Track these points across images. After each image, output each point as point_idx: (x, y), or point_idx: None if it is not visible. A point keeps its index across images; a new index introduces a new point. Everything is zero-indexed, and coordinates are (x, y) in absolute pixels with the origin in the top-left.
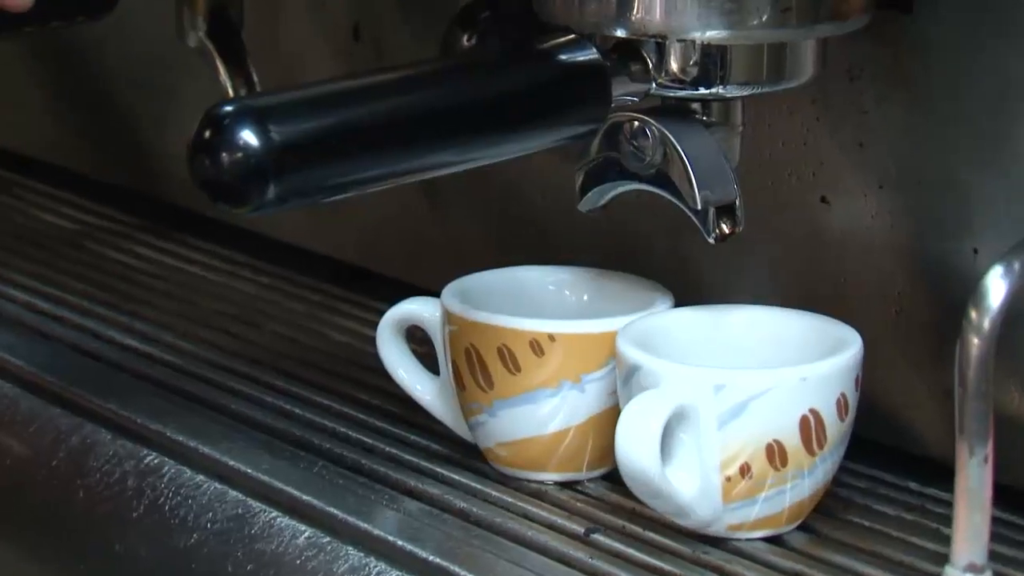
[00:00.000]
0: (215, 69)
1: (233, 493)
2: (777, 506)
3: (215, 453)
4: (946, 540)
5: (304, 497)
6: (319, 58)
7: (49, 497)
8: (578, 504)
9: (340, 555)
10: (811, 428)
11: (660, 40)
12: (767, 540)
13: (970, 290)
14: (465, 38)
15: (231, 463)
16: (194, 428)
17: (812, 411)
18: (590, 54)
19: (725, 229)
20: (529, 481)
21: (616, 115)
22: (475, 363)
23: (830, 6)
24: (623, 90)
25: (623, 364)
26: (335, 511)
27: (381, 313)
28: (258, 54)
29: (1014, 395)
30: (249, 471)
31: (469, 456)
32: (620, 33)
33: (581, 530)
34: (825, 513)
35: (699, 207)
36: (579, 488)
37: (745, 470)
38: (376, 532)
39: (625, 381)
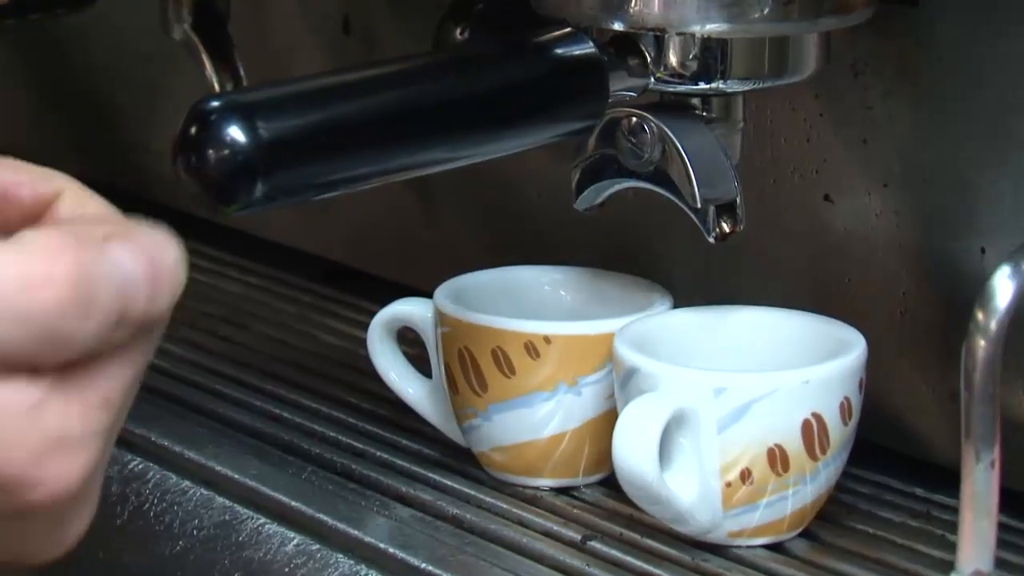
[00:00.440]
0: (201, 63)
1: (220, 499)
2: (778, 512)
3: (201, 458)
4: (952, 547)
5: (293, 503)
6: (308, 52)
7: None
8: (574, 510)
9: (330, 563)
10: (813, 432)
11: (659, 33)
12: (768, 547)
13: (977, 290)
14: (458, 31)
15: (218, 468)
16: (180, 432)
17: (814, 415)
18: (586, 48)
19: (725, 228)
20: (524, 487)
21: (613, 111)
22: (468, 365)
23: None
24: (621, 85)
25: (621, 366)
26: (325, 517)
27: (372, 314)
28: (245, 48)
29: (1021, 398)
30: (236, 477)
31: (462, 461)
32: (617, 26)
33: (578, 537)
34: (828, 519)
35: (699, 205)
36: (575, 494)
37: (746, 475)
38: (367, 539)
39: (623, 384)
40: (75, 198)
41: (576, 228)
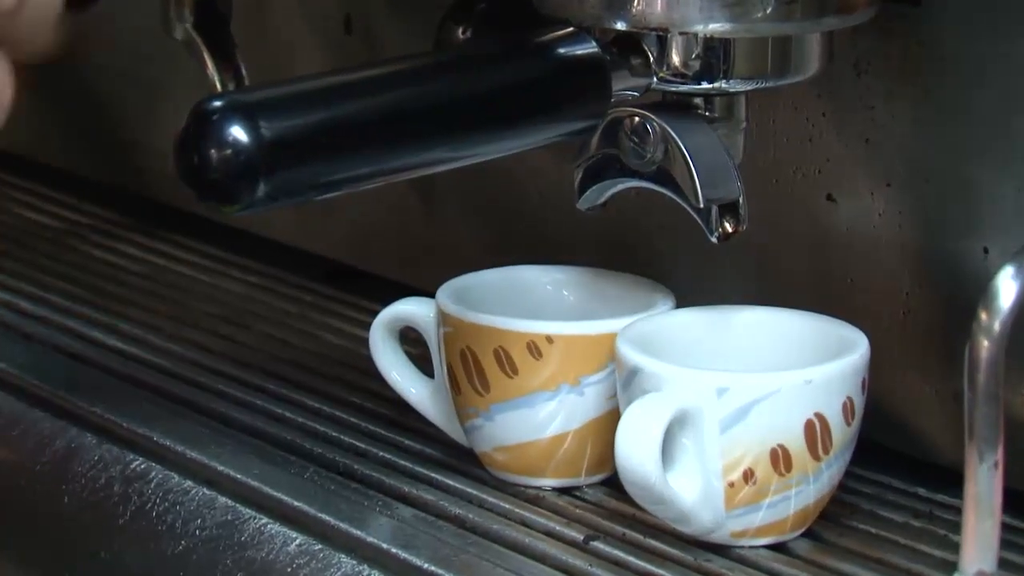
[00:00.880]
0: (202, 62)
1: (222, 499)
2: (781, 512)
3: (203, 458)
4: (955, 547)
5: (295, 503)
6: (309, 51)
7: (33, 503)
8: (577, 510)
9: (332, 563)
10: (816, 432)
11: (661, 33)
12: (771, 547)
13: (980, 291)
14: (460, 31)
15: (220, 468)
16: (182, 432)
17: (817, 415)
18: (589, 47)
19: (728, 228)
20: (526, 487)
21: (616, 110)
22: (471, 365)
23: None
24: (623, 85)
25: (623, 366)
26: (327, 517)
27: (374, 314)
28: (246, 47)
29: None
30: (239, 476)
31: (465, 461)
32: (620, 26)
33: (580, 537)
34: (830, 520)
35: (701, 205)
36: (578, 494)
37: (748, 475)
38: (369, 539)
39: (625, 384)
40: None
41: (578, 228)
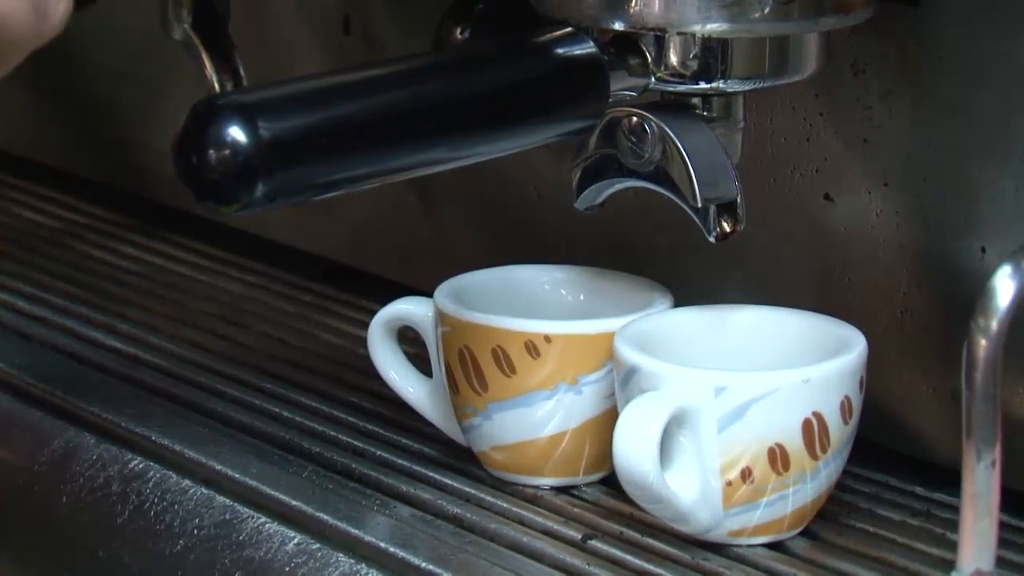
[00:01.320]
0: (201, 62)
1: (220, 498)
2: (779, 511)
3: (201, 457)
4: (952, 546)
5: (293, 502)
6: (308, 52)
7: (31, 503)
8: (575, 509)
9: (330, 562)
10: (814, 431)
11: (659, 33)
12: (768, 546)
13: (977, 290)
14: (458, 31)
15: (218, 468)
16: (180, 432)
17: (815, 414)
18: (587, 48)
19: (726, 227)
20: (524, 486)
21: (614, 110)
22: (469, 364)
23: None
24: (621, 85)
25: (621, 366)
26: (325, 517)
27: (372, 313)
28: (245, 47)
29: (1023, 397)
30: (237, 476)
31: (463, 460)
32: (618, 26)
33: (578, 536)
34: (828, 518)
35: (699, 205)
36: (576, 493)
37: (746, 474)
38: (367, 538)
39: (623, 383)
40: None
41: (576, 227)
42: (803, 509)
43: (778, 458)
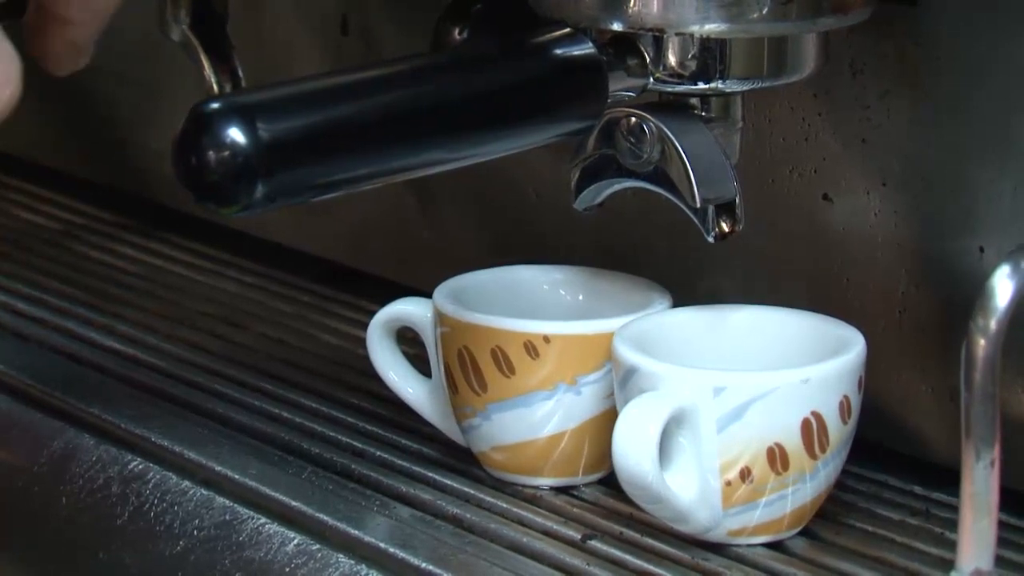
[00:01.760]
0: (199, 63)
1: (220, 499)
2: (778, 511)
3: (201, 458)
4: (951, 545)
5: (293, 503)
6: (306, 53)
7: (31, 504)
8: (574, 510)
9: (330, 562)
10: (813, 431)
11: (658, 34)
12: (768, 546)
13: (976, 290)
14: (456, 32)
15: (218, 468)
16: (179, 433)
17: (814, 413)
18: (586, 48)
19: (725, 228)
20: (524, 486)
21: (613, 111)
22: (468, 365)
23: None
24: (620, 85)
25: (620, 366)
26: (325, 517)
27: (371, 314)
28: (243, 48)
29: (1021, 397)
30: (236, 477)
31: (462, 460)
32: (617, 27)
33: (577, 536)
34: (827, 518)
35: (698, 205)
36: (575, 493)
37: (745, 474)
38: (367, 539)
39: (622, 383)
40: None
41: (575, 228)
42: (802, 509)
43: (777, 458)
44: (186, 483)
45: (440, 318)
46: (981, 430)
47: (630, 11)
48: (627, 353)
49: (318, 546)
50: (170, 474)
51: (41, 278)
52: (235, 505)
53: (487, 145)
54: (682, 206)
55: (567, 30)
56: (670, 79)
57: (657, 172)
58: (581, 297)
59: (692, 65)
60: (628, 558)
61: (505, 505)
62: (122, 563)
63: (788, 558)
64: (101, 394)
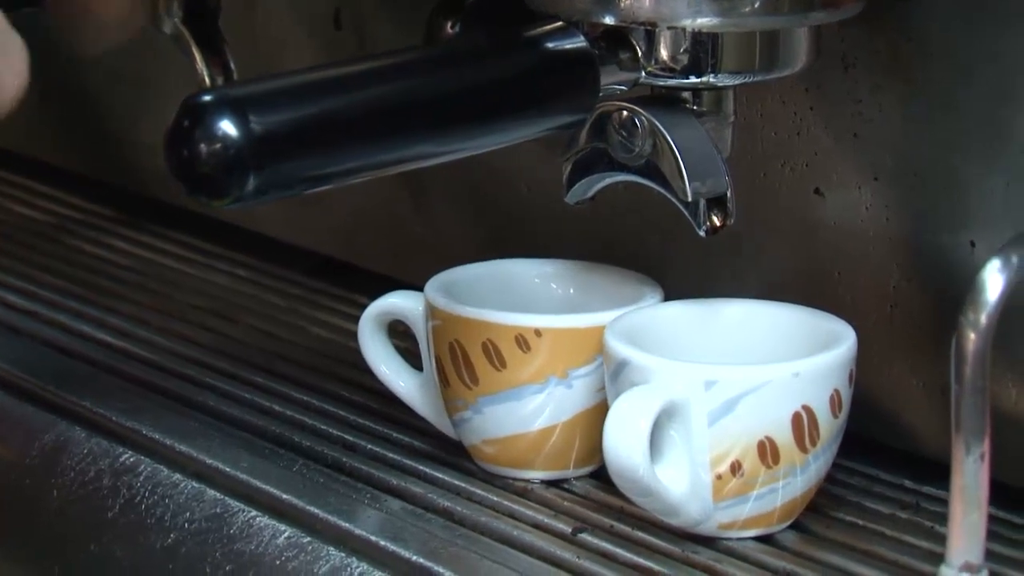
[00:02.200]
0: (191, 57)
1: (211, 492)
2: (769, 504)
3: (192, 451)
4: (941, 539)
5: (284, 496)
6: (299, 46)
7: (22, 497)
8: (565, 503)
9: (321, 555)
10: (804, 425)
11: (650, 28)
12: (758, 539)
13: (967, 284)
14: (449, 25)
15: (209, 461)
16: (170, 425)
17: (805, 407)
18: (578, 42)
19: (716, 221)
20: (515, 479)
21: (604, 104)
22: (459, 358)
23: None
24: (612, 79)
25: (611, 359)
26: (316, 510)
27: (363, 307)
28: (236, 42)
29: (1011, 391)
30: (227, 469)
31: (453, 454)
32: (609, 20)
33: (568, 529)
34: (818, 511)
35: (689, 199)
36: (566, 486)
37: (736, 468)
38: (358, 532)
39: (613, 377)
40: None
41: (567, 221)
42: (793, 502)
43: (768, 451)
44: (177, 476)
45: (431, 311)
46: (971, 424)
47: (622, 5)
48: (618, 346)
49: (309, 539)
50: (161, 467)
51: (33, 271)
52: (226, 498)
53: (479, 139)
54: (673, 200)
55: (559, 24)
56: (662, 73)
57: (648, 166)
58: (572, 291)
59: (684, 59)
60: (619, 551)
61: (496, 498)
62: (113, 555)
63: (778, 551)
64: (92, 387)
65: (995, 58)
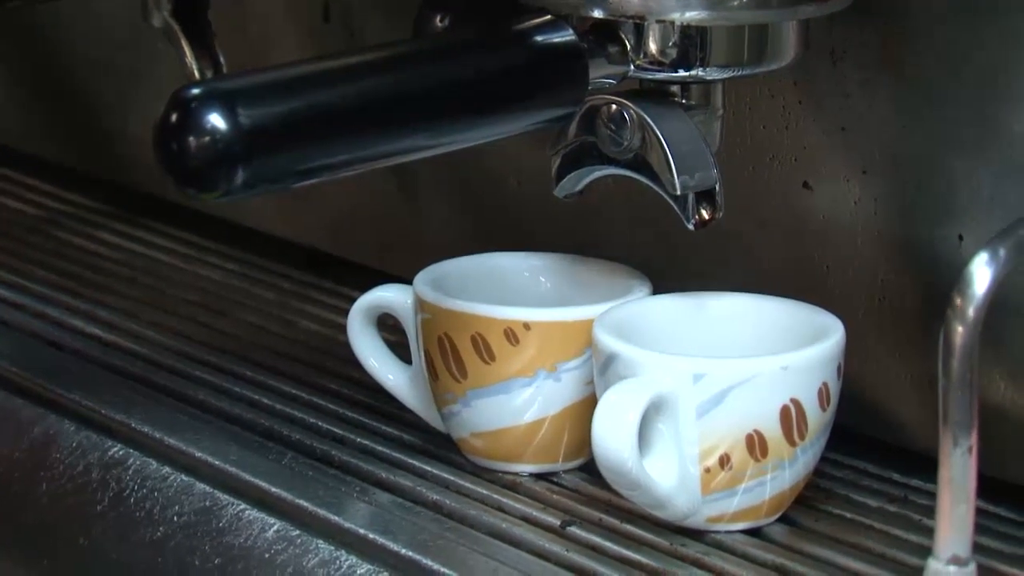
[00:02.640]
0: (180, 50)
1: (200, 485)
2: (757, 498)
3: (181, 444)
4: (929, 532)
5: (273, 489)
6: (288, 39)
7: (11, 490)
8: (554, 496)
9: (310, 548)
10: (792, 418)
11: (639, 21)
12: (747, 532)
13: (955, 277)
14: (438, 19)
15: (198, 454)
16: (160, 419)
17: (793, 400)
18: (567, 36)
19: (705, 215)
20: (504, 472)
21: (593, 98)
22: (448, 352)
23: None
24: (600, 72)
25: (600, 353)
26: (305, 503)
27: (352, 301)
28: (225, 35)
29: (999, 384)
30: (217, 463)
31: (442, 447)
32: (598, 14)
33: (557, 522)
34: (806, 505)
35: (678, 193)
36: (555, 480)
37: (724, 461)
38: (347, 525)
39: (602, 370)
40: None
41: (556, 215)
42: (781, 495)
43: (756, 445)
44: (166, 469)
45: (420, 305)
46: (959, 417)
47: None
48: (607, 340)
49: (298, 532)
50: (150, 460)
51: (23, 265)
52: (215, 491)
53: (468, 132)
54: (662, 193)
55: (548, 17)
56: (651, 67)
57: (637, 160)
58: (561, 284)
59: (673, 53)
60: (607, 544)
61: (485, 491)
62: (102, 549)
63: (767, 544)
64: (82, 380)
65: (984, 51)
